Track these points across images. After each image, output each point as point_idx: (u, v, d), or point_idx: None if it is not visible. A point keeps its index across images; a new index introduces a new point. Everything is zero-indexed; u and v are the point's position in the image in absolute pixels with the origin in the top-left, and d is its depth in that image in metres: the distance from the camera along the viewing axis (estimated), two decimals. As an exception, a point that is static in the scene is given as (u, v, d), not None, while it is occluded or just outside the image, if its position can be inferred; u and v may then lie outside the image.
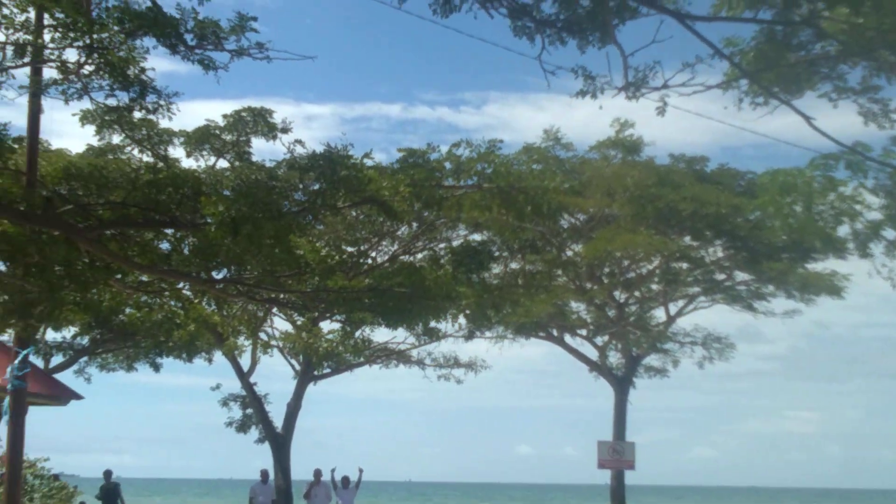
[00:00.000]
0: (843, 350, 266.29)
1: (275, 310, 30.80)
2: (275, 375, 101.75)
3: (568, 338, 36.12)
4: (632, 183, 30.24)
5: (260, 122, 19.56)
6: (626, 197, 30.33)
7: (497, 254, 30.01)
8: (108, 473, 28.23)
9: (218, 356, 34.19)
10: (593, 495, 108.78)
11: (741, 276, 33.28)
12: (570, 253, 33.43)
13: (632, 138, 32.61)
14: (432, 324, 25.25)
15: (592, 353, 36.21)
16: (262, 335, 32.77)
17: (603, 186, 30.69)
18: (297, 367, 34.17)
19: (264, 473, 29.70)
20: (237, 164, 19.00)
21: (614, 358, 36.32)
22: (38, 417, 15.99)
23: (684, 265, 33.01)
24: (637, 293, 34.91)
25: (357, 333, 27.97)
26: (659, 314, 35.18)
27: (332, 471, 26.45)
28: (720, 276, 33.61)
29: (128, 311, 30.51)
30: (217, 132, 19.62)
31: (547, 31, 11.12)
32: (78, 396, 26.64)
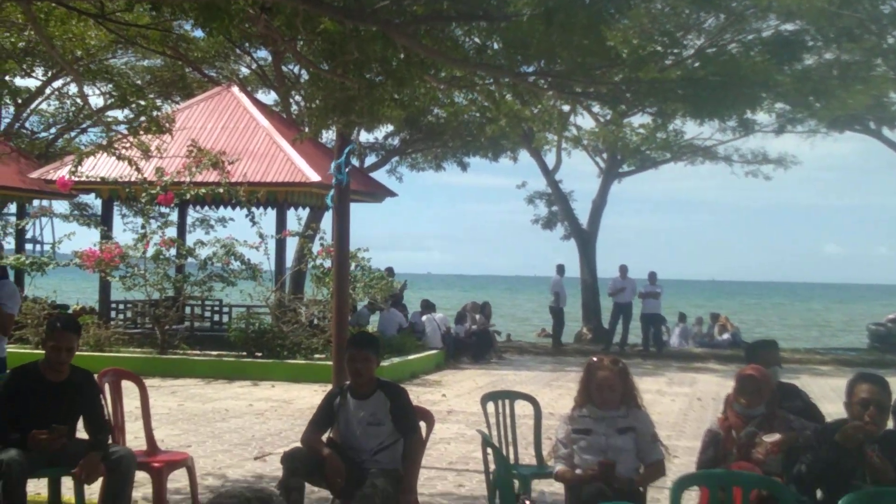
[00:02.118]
0: None
1: (580, 109, 30.59)
2: (578, 175, 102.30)
3: (886, 131, 34.15)
4: (972, -40, 27.65)
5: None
6: (963, -24, 27.81)
7: (811, 43, 28.38)
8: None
9: (523, 155, 34.54)
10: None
11: None
12: (891, 40, 31.19)
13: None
14: (747, 115, 24.31)
15: (913, 147, 34.20)
16: (569, 132, 32.72)
17: (934, -35, 28.23)
18: (602, 165, 34.14)
19: (560, 267, 30.39)
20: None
21: (938, 151, 34.18)
22: (357, 214, 16.68)
23: None
24: (969, 81, 32.37)
25: (669, 127, 27.48)
26: None
27: None
28: None
29: (436, 111, 31.13)
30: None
31: None
32: (392, 194, 27.68)
